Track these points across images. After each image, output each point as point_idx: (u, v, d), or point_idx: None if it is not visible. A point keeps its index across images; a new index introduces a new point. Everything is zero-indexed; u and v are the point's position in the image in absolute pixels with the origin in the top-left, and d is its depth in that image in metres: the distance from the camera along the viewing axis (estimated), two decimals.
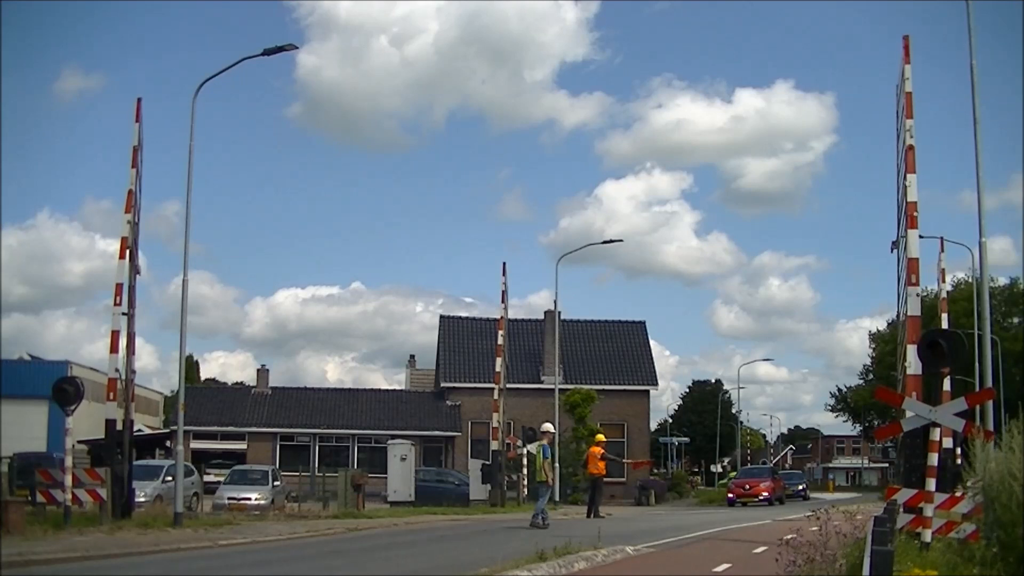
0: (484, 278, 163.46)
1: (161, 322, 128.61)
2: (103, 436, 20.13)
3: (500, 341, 36.47)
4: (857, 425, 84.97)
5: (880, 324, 79.33)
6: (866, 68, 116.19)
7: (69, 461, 18.72)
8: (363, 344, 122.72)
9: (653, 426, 67.03)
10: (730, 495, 44.39)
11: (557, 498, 35.55)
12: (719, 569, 13.62)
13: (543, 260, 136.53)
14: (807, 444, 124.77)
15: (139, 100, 21.32)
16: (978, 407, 17.76)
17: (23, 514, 17.39)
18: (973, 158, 18.51)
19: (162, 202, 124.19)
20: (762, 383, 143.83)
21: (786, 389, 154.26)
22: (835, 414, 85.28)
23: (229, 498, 29.48)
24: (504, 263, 37.62)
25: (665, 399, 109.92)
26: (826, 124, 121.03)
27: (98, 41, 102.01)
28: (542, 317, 52.95)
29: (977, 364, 25.34)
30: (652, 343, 56.06)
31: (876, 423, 70.94)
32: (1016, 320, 61.05)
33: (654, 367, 53.70)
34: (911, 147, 15.85)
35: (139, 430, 30.98)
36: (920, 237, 16.06)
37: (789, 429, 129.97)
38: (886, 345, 62.80)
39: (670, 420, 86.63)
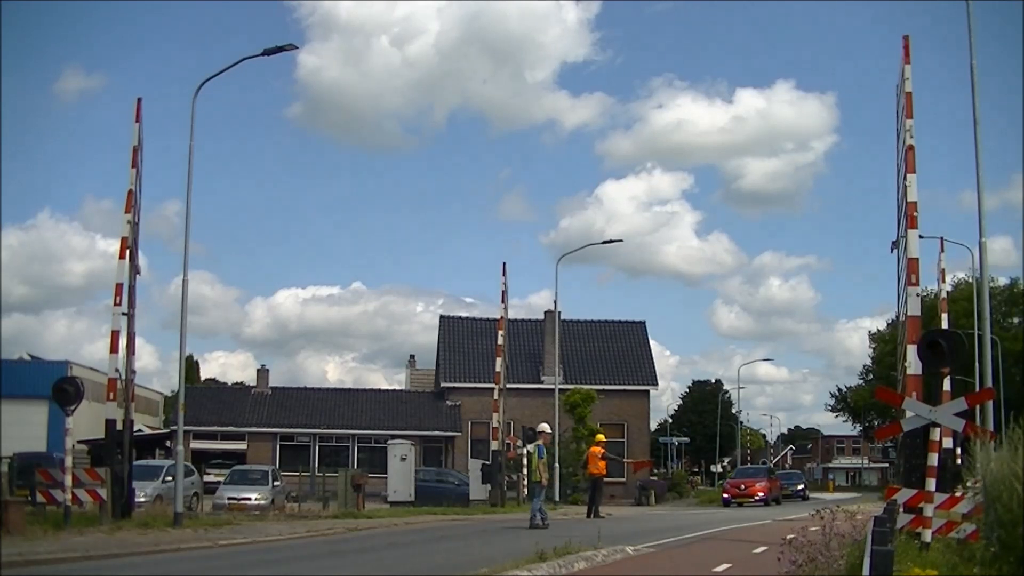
0: (484, 278, 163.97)
1: (161, 322, 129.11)
2: (103, 436, 20.16)
3: (500, 341, 36.46)
4: (857, 425, 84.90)
5: (880, 324, 79.47)
6: (866, 68, 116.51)
7: (69, 461, 18.73)
8: (363, 344, 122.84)
9: (653, 426, 67.13)
10: (725, 495, 44.05)
11: (557, 498, 35.57)
12: (719, 569, 13.62)
13: (543, 260, 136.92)
14: (807, 444, 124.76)
15: (139, 100, 21.50)
16: (978, 407, 17.80)
17: (23, 514, 17.39)
18: (973, 158, 18.55)
19: (162, 202, 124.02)
20: (762, 383, 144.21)
21: (786, 389, 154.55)
22: (835, 414, 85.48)
23: (229, 498, 29.52)
24: (504, 263, 37.66)
25: (665, 399, 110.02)
26: (827, 124, 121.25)
27: (98, 41, 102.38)
28: (542, 317, 52.94)
29: (977, 364, 25.36)
30: (652, 343, 56.23)
31: (876, 423, 70.89)
32: (1016, 320, 61.06)
33: (654, 367, 53.76)
34: (911, 147, 15.85)
35: (139, 430, 31.04)
36: (920, 237, 16.06)
37: (789, 429, 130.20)
38: (886, 345, 62.81)
39: (670, 420, 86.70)
